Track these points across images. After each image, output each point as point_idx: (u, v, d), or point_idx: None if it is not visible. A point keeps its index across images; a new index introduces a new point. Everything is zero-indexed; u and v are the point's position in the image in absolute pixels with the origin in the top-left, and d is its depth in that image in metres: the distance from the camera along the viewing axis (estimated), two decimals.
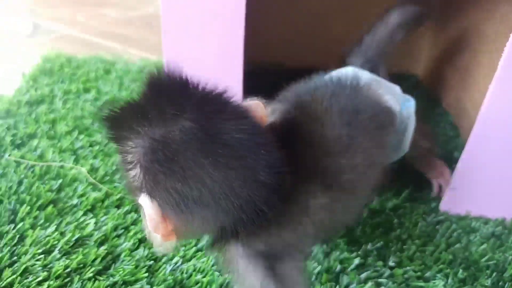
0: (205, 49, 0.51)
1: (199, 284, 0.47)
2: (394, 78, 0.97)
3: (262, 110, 0.36)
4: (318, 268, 0.49)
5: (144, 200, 0.32)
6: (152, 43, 1.18)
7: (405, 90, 0.92)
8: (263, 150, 0.32)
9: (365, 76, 0.51)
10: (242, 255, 0.36)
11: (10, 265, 0.47)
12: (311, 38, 0.95)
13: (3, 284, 0.44)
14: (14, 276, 0.45)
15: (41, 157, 0.62)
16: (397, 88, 0.55)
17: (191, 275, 0.47)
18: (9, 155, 0.62)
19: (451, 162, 0.61)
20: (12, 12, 1.31)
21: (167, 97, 0.32)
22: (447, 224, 0.57)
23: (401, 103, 0.52)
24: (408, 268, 0.50)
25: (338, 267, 0.49)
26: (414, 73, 1.00)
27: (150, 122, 0.31)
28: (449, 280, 0.49)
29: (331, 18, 0.95)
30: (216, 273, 0.47)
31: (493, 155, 0.55)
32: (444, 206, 0.60)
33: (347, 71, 0.53)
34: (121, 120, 0.33)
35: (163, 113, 0.31)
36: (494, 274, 0.51)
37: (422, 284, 0.49)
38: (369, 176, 0.42)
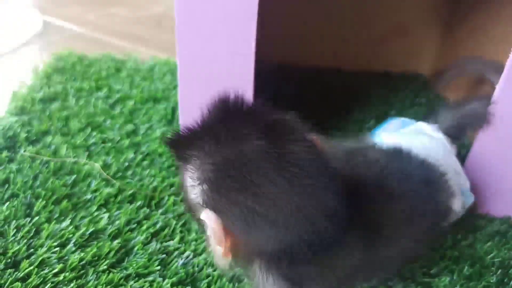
0: (217, 48, 0.52)
1: (210, 278, 0.48)
2: (402, 78, 0.98)
3: (320, 145, 0.35)
4: None
5: (208, 216, 0.32)
6: (162, 41, 1.20)
7: (413, 90, 0.93)
8: (331, 174, 0.33)
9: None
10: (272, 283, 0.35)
11: (27, 257, 0.48)
12: (321, 38, 0.96)
13: (21, 275, 0.46)
14: (31, 268, 0.47)
15: (55, 153, 0.64)
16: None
17: (202, 269, 0.49)
18: (24, 151, 0.63)
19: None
20: (22, 11, 1.33)
21: (238, 119, 0.33)
22: (453, 222, 0.58)
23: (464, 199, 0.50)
24: (414, 264, 0.51)
25: None
26: (422, 73, 1.01)
27: (220, 141, 0.32)
28: (455, 277, 0.50)
29: (342, 18, 0.96)
30: None
31: (498, 154, 0.56)
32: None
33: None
34: (189, 140, 0.34)
35: (234, 133, 0.32)
36: (500, 271, 0.51)
37: (428, 280, 0.50)
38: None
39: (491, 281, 0.50)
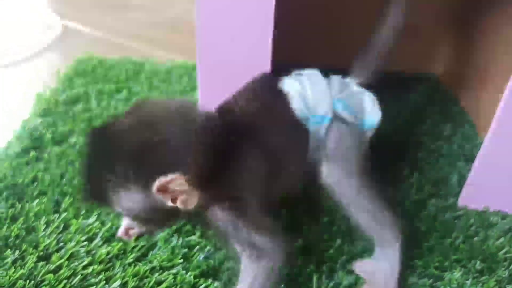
0: (236, 50, 0.54)
1: (230, 271, 0.50)
2: (415, 78, 0.99)
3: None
4: (344, 257, 0.52)
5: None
6: (177, 44, 1.22)
7: (425, 90, 0.94)
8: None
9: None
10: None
11: (58, 251, 0.51)
12: (333, 39, 0.98)
13: (53, 268, 0.49)
14: (62, 260, 0.49)
15: (80, 153, 0.67)
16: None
17: (223, 262, 0.51)
18: (50, 151, 0.66)
19: (471, 160, 0.63)
20: (42, 15, 1.37)
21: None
22: (465, 218, 0.60)
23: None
24: (427, 258, 0.53)
25: (363, 255, 0.52)
26: (434, 73, 1.02)
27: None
28: (467, 271, 0.52)
29: (353, 19, 0.97)
30: None
31: (510, 151, 0.57)
32: (462, 201, 0.62)
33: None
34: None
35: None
36: (511, 266, 0.53)
37: (440, 273, 0.52)
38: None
39: (503, 275, 0.52)
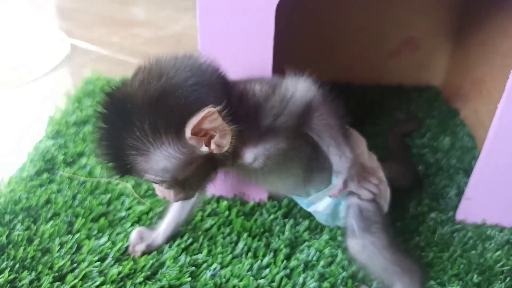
0: (236, 63, 0.56)
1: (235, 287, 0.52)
2: (415, 90, 1.01)
3: None
4: (344, 273, 0.54)
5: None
6: None
7: (425, 102, 0.96)
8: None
9: None
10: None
11: (72, 271, 0.54)
12: (334, 53, 1.00)
13: (68, 287, 0.51)
14: (76, 281, 0.52)
15: (90, 173, 0.70)
16: None
17: (228, 280, 0.53)
18: (62, 172, 0.69)
19: (469, 173, 0.65)
20: (51, 34, 1.41)
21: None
22: (464, 232, 0.62)
23: None
24: (427, 273, 0.55)
25: (362, 273, 0.54)
26: (434, 85, 1.04)
27: None
28: (464, 284, 0.53)
29: (354, 33, 1.00)
30: (251, 278, 0.53)
31: (507, 164, 0.59)
32: (460, 215, 0.64)
33: None
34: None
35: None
36: (508, 279, 0.55)
37: (439, 287, 0.53)
38: None
39: None
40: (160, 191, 0.47)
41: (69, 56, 1.27)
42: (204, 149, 0.42)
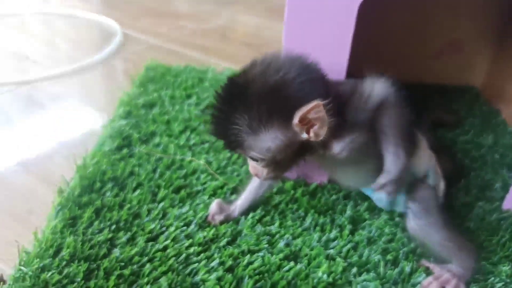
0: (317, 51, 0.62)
1: (308, 256, 0.59)
2: (456, 90, 1.06)
3: None
4: (404, 249, 0.60)
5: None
6: (229, 53, 1.32)
7: (465, 102, 1.01)
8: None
9: None
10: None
11: (162, 233, 0.60)
12: (380, 53, 1.06)
13: (161, 247, 0.58)
14: (168, 241, 0.59)
15: (164, 151, 0.76)
16: None
17: (301, 249, 0.60)
18: (140, 149, 0.76)
19: None
20: (105, 24, 1.48)
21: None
22: (510, 220, 0.67)
23: None
24: (479, 254, 0.60)
25: (421, 250, 0.60)
26: (474, 85, 1.09)
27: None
28: None
29: (400, 35, 1.05)
30: (322, 248, 0.59)
31: None
32: (507, 204, 0.69)
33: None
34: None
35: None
36: None
37: (490, 267, 0.59)
38: None
39: None
40: (254, 167, 0.54)
41: (123, 43, 1.35)
42: (304, 136, 0.49)
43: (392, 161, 0.53)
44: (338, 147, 0.53)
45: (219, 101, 0.50)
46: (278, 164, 0.52)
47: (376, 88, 0.54)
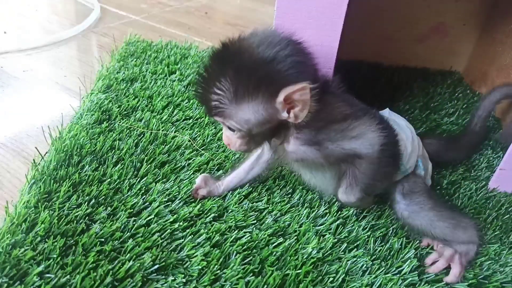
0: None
1: (297, 232, 0.57)
2: (440, 73, 1.06)
3: None
4: (394, 226, 0.59)
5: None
6: (211, 32, 1.28)
7: (450, 85, 1.01)
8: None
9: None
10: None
11: (145, 209, 0.57)
12: (365, 35, 1.04)
13: (144, 223, 0.55)
14: (151, 217, 0.56)
15: (146, 126, 0.73)
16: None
17: (290, 225, 0.58)
18: (120, 123, 0.73)
19: (496, 149, 0.72)
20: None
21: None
22: (497, 199, 0.67)
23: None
24: None
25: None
26: (457, 70, 1.09)
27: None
28: (503, 242, 0.59)
29: (386, 18, 1.04)
30: (311, 224, 0.58)
31: None
32: (493, 184, 0.69)
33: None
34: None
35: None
36: None
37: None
38: None
39: None
40: (228, 137, 0.53)
41: (100, 18, 1.29)
42: (284, 115, 0.48)
43: (343, 192, 0.56)
44: (292, 146, 0.52)
45: (209, 63, 0.48)
46: (252, 137, 0.51)
47: (364, 139, 0.52)
